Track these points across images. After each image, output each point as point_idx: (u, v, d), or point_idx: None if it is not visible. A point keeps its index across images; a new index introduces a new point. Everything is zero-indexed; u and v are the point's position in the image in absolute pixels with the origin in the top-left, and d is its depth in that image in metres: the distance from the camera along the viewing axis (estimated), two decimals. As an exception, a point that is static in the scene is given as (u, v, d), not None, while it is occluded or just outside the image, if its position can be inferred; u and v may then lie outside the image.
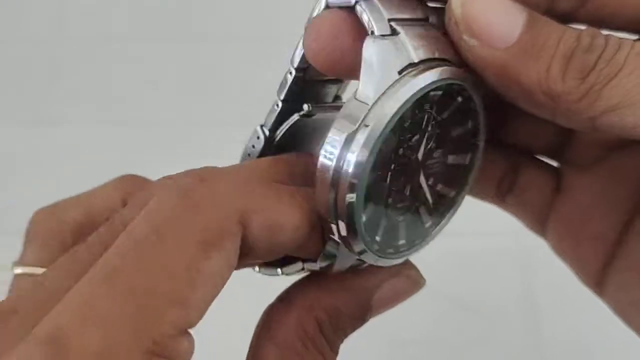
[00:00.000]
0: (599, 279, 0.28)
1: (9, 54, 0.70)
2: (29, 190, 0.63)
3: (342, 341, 0.25)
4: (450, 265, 0.51)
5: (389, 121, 0.21)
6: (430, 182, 0.25)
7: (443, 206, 0.26)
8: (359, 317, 0.25)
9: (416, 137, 0.23)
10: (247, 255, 0.21)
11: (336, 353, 0.24)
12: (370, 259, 0.24)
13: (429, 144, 0.24)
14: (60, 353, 0.17)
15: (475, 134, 0.26)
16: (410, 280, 0.26)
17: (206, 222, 0.20)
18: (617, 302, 0.28)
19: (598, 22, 0.24)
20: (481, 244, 0.51)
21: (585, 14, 0.24)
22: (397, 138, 0.23)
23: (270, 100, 0.26)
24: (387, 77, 0.22)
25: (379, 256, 0.24)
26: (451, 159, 0.25)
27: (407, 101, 0.22)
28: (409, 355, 0.51)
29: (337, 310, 0.24)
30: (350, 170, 0.21)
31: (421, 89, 0.22)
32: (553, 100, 0.22)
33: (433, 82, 0.22)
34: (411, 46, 0.22)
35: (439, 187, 0.26)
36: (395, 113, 0.22)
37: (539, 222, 0.30)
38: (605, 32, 0.22)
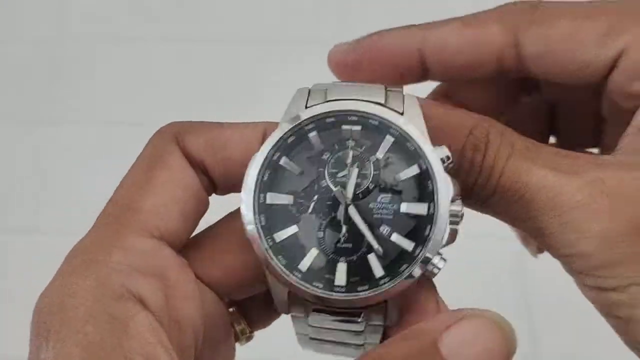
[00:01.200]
0: None
1: (10, 53, 0.70)
2: (29, 190, 0.63)
3: None
4: (446, 269, 0.51)
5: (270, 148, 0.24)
6: (384, 230, 0.24)
7: (400, 260, 0.24)
8: None
9: (342, 172, 0.24)
10: (223, 179, 0.25)
11: None
12: (300, 287, 0.24)
13: (364, 183, 0.24)
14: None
15: (427, 178, 0.24)
16: (485, 323, 0.22)
17: (150, 151, 0.26)
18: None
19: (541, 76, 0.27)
20: (476, 247, 0.51)
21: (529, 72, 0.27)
22: (315, 169, 0.25)
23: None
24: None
25: (305, 285, 0.24)
26: (404, 206, 0.24)
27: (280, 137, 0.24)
28: None
29: (385, 357, 0.22)
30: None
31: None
32: None
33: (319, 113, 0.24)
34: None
35: (394, 237, 0.24)
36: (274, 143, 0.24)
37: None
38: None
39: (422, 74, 0.28)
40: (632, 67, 0.25)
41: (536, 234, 0.25)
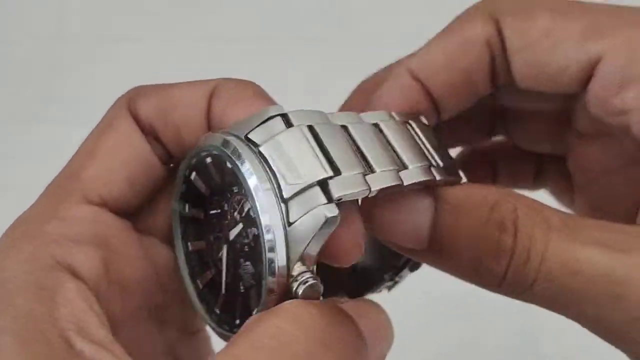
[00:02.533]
0: None
1: (10, 53, 0.70)
2: (29, 190, 0.63)
3: None
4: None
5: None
6: (251, 270, 0.22)
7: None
8: None
9: (221, 210, 0.23)
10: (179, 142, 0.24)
11: None
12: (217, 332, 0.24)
13: (235, 222, 0.23)
14: None
15: (250, 222, 0.22)
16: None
17: (103, 118, 0.26)
18: None
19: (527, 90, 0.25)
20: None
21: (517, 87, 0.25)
22: (203, 210, 0.24)
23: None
24: None
25: (220, 330, 0.23)
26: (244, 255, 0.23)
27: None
28: None
29: None
30: None
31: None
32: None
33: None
34: None
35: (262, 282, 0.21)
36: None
37: (569, 204, 0.30)
38: None
39: (430, 106, 0.25)
40: (611, 76, 0.22)
41: (594, 327, 0.22)
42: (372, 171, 0.21)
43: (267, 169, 0.21)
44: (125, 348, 0.20)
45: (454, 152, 0.30)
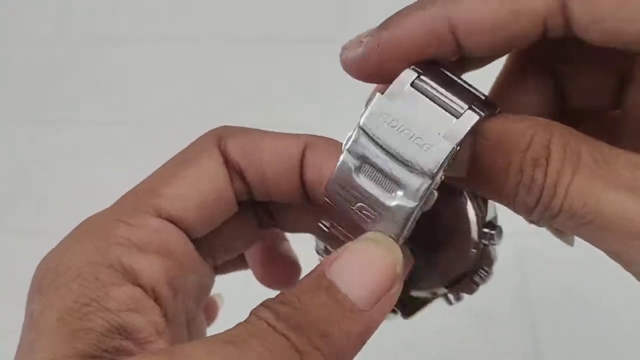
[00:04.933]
0: None
1: (10, 54, 0.70)
2: (29, 190, 0.63)
3: (296, 310, 0.22)
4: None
5: None
6: None
7: None
8: (313, 290, 0.22)
9: None
10: (257, 184, 0.27)
11: (283, 319, 0.22)
12: None
13: None
14: None
15: None
16: (362, 244, 0.23)
17: (189, 149, 0.27)
18: None
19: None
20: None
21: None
22: None
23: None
24: None
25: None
26: None
27: None
28: None
29: (283, 292, 0.23)
30: None
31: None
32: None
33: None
34: None
35: None
36: None
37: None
38: None
39: (456, 52, 0.24)
40: None
41: (612, 256, 0.23)
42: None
43: None
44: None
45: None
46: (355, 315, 0.22)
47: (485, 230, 0.28)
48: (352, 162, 0.23)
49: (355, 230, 0.24)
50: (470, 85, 0.24)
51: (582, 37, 0.24)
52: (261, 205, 0.29)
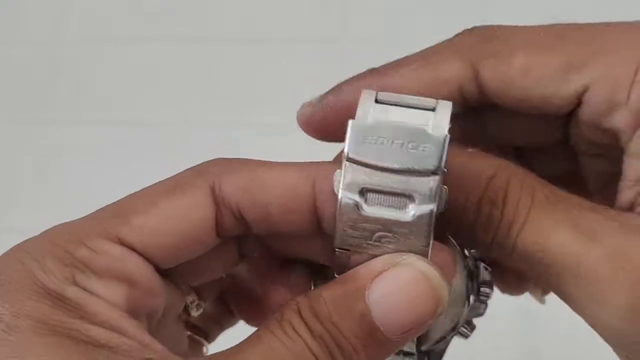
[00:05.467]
0: None
1: (10, 55, 0.70)
2: (29, 190, 0.63)
3: (328, 332, 0.22)
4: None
5: None
6: None
7: None
8: (348, 309, 0.22)
9: None
10: (251, 224, 0.24)
11: (318, 338, 0.22)
12: None
13: None
14: None
15: None
16: (412, 273, 0.22)
17: (177, 178, 0.25)
18: None
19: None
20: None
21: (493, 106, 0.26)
22: None
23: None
24: None
25: None
26: None
27: None
28: None
29: (317, 297, 0.22)
30: None
31: None
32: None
33: None
34: None
35: None
36: None
37: None
38: None
39: None
40: (599, 103, 0.24)
41: (560, 295, 0.24)
42: None
43: None
44: None
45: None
46: (383, 344, 0.21)
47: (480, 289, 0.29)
48: (353, 198, 0.22)
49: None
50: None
51: (495, 102, 0.25)
52: (247, 236, 0.27)
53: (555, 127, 0.26)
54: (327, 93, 0.27)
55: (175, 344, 0.28)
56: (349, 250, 0.23)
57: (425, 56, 0.26)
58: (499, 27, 0.26)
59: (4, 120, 0.66)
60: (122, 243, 0.23)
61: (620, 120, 0.24)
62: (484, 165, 0.24)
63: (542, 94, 0.24)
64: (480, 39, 0.26)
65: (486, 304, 0.29)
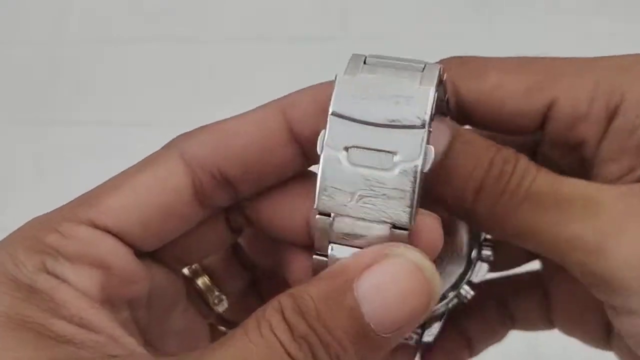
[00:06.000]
0: (606, 343, 0.30)
1: (10, 55, 0.70)
2: (29, 190, 0.63)
3: (314, 330, 0.21)
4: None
5: None
6: None
7: None
8: (336, 305, 0.21)
9: None
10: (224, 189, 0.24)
11: (299, 339, 0.20)
12: None
13: None
14: None
15: None
16: (404, 264, 0.21)
17: (147, 157, 0.24)
18: (624, 357, 0.30)
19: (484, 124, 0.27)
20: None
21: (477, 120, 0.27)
22: None
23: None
24: None
25: None
26: None
27: None
28: None
29: (302, 295, 0.21)
30: None
31: None
32: (468, 217, 0.25)
33: None
34: None
35: None
36: None
37: (547, 323, 0.32)
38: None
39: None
40: (564, 116, 0.26)
41: (565, 246, 0.24)
42: None
43: None
44: None
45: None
46: (374, 342, 0.20)
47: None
48: (336, 155, 0.21)
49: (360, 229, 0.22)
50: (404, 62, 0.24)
51: (471, 118, 0.27)
52: (234, 208, 0.26)
53: (523, 150, 0.27)
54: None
55: (187, 335, 0.27)
56: (329, 216, 0.22)
57: None
58: (474, 56, 0.27)
59: (4, 120, 0.66)
60: (95, 226, 0.23)
61: (585, 131, 0.26)
62: (488, 148, 0.25)
63: (511, 107, 0.26)
64: (458, 62, 0.27)
65: (489, 265, 0.28)
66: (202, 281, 0.28)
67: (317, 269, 0.22)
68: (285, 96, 0.24)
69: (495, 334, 0.32)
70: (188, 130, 0.25)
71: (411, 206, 0.21)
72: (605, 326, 0.30)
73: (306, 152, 0.24)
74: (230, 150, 0.23)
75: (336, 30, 0.67)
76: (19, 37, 0.71)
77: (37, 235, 0.22)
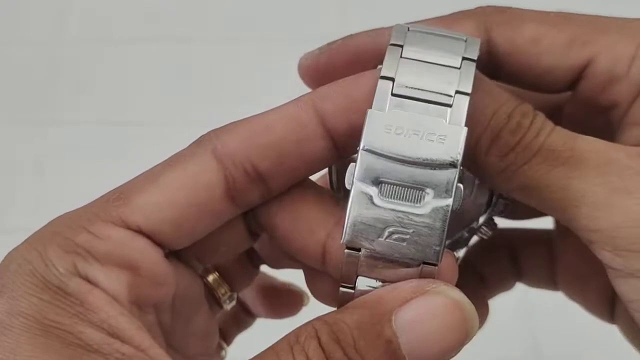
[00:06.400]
0: (609, 316, 0.30)
1: (10, 55, 0.70)
2: (29, 190, 0.63)
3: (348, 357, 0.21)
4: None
5: None
6: None
7: None
8: (373, 335, 0.21)
9: None
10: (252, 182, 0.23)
11: None
12: None
13: None
14: None
15: None
16: (445, 302, 0.21)
17: (178, 154, 0.24)
18: (628, 331, 0.29)
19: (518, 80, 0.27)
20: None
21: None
22: None
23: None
24: None
25: None
26: None
27: None
28: None
29: (338, 323, 0.21)
30: None
31: None
32: (478, 167, 0.24)
33: None
34: None
35: None
36: None
37: (551, 284, 0.32)
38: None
39: None
40: (600, 75, 0.25)
41: (570, 201, 0.23)
42: None
43: None
44: None
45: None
46: None
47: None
48: (366, 190, 0.21)
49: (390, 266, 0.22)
50: (444, 38, 0.24)
51: (502, 69, 0.26)
52: (250, 214, 0.25)
53: (549, 109, 0.26)
54: (337, 40, 0.27)
55: (205, 338, 0.27)
56: (358, 250, 0.22)
57: (442, 17, 0.27)
58: (512, 7, 0.27)
59: (4, 120, 0.66)
60: (127, 226, 0.22)
61: (619, 92, 0.25)
62: (505, 98, 0.24)
63: (548, 63, 0.25)
64: (495, 10, 0.26)
65: (508, 202, 0.28)
66: (212, 278, 0.28)
67: (343, 300, 0.22)
68: (314, 90, 0.24)
69: (505, 282, 0.33)
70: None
71: (440, 244, 0.21)
72: (609, 298, 0.29)
73: (338, 146, 0.24)
74: (263, 144, 0.23)
75: (336, 30, 0.67)
76: (19, 37, 0.71)
77: (67, 234, 0.22)
